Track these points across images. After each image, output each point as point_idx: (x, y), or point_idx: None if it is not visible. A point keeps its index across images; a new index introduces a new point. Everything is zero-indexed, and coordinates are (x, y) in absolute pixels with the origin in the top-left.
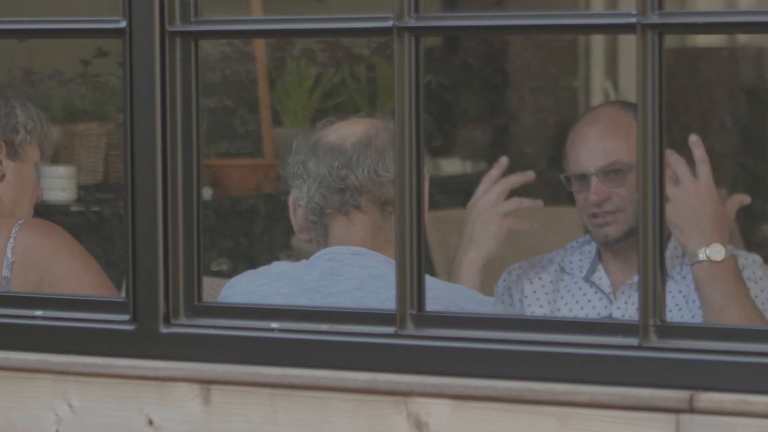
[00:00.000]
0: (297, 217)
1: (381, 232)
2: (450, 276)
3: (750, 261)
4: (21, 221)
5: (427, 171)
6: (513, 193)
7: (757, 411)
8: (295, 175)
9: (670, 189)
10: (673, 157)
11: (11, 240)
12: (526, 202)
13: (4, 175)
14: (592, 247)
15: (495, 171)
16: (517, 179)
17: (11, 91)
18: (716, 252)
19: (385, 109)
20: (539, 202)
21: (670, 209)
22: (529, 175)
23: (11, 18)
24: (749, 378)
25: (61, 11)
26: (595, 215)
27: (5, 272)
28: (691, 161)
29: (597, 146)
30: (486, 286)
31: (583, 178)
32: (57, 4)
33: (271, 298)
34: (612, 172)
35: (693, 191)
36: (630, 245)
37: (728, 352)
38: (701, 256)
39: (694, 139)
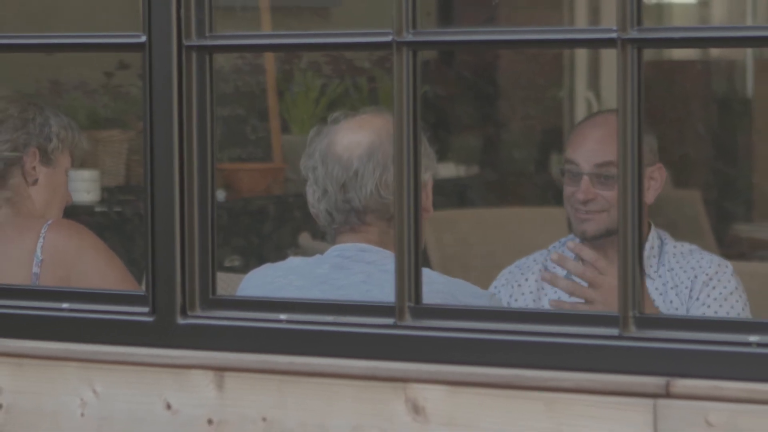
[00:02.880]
0: (311, 209)
1: (386, 236)
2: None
3: (723, 268)
4: (50, 221)
5: (431, 176)
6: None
7: (728, 396)
8: (306, 176)
9: (598, 278)
10: (587, 253)
11: (41, 239)
12: None
13: (36, 180)
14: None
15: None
16: None
17: (44, 102)
18: None
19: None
20: None
21: (600, 296)
22: None
23: (40, 33)
24: (721, 366)
25: (86, 27)
26: (578, 210)
27: (35, 269)
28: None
29: (594, 149)
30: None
31: (576, 174)
32: (82, 21)
33: (285, 290)
34: (603, 176)
35: (608, 288)
36: (607, 243)
37: (702, 341)
38: None
39: (571, 246)
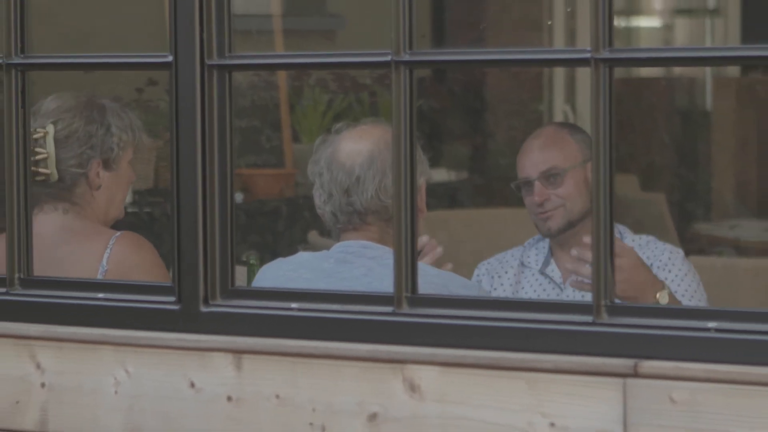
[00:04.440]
0: (318, 210)
1: (385, 234)
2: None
3: (675, 254)
4: (118, 234)
5: (425, 180)
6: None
7: (689, 375)
8: (313, 180)
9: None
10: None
11: (108, 250)
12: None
13: (100, 186)
14: (546, 243)
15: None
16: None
17: (108, 101)
18: (663, 298)
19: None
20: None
21: (619, 290)
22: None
23: (79, 54)
24: (683, 349)
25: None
26: (538, 213)
27: (99, 276)
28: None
29: (538, 157)
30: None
31: (528, 183)
32: (116, 42)
33: (295, 282)
34: (551, 176)
35: (628, 274)
36: (571, 237)
37: (666, 327)
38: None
39: (575, 254)
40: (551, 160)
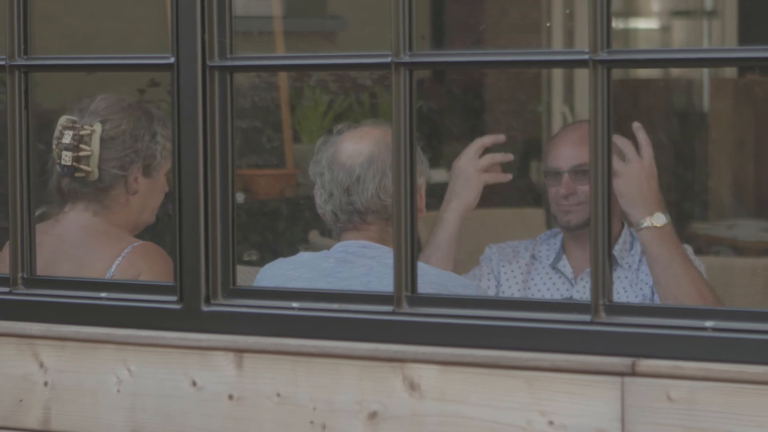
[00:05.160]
0: (318, 210)
1: (385, 233)
2: (433, 225)
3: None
4: (134, 245)
5: (425, 180)
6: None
7: (687, 374)
8: (314, 180)
9: (618, 165)
10: (621, 141)
11: (118, 259)
12: (498, 156)
13: (137, 191)
14: (558, 239)
15: (486, 138)
16: (489, 139)
17: (155, 109)
18: (658, 219)
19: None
20: (509, 155)
21: (618, 182)
22: (500, 138)
23: (82, 55)
24: (680, 347)
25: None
26: (561, 204)
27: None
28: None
29: (570, 151)
30: (463, 236)
31: (557, 174)
32: (118, 44)
33: (296, 281)
34: (580, 173)
35: (638, 168)
36: (587, 234)
37: (663, 326)
38: (646, 223)
39: (636, 126)
40: (582, 157)
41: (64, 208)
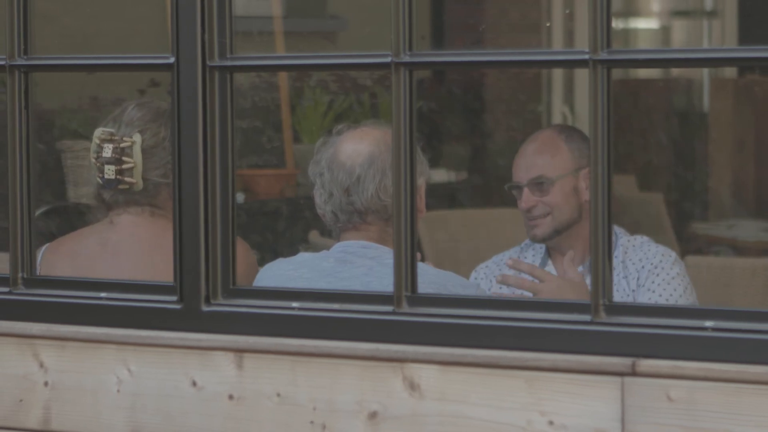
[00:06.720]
0: (318, 210)
1: (385, 234)
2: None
3: (666, 258)
4: None
5: (425, 181)
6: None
7: (686, 374)
8: (314, 181)
9: (536, 288)
10: (521, 278)
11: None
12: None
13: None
14: (543, 245)
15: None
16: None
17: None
18: None
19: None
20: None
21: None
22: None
23: (82, 55)
24: (680, 347)
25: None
26: (527, 219)
27: None
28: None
29: (529, 162)
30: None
31: (518, 188)
32: (118, 44)
33: (295, 281)
34: (538, 184)
35: (556, 283)
36: (571, 241)
37: (663, 326)
38: None
39: (509, 263)
40: (541, 168)
41: (109, 213)
